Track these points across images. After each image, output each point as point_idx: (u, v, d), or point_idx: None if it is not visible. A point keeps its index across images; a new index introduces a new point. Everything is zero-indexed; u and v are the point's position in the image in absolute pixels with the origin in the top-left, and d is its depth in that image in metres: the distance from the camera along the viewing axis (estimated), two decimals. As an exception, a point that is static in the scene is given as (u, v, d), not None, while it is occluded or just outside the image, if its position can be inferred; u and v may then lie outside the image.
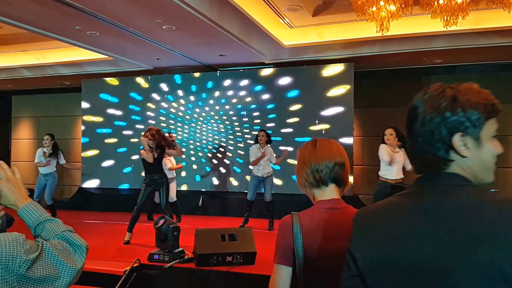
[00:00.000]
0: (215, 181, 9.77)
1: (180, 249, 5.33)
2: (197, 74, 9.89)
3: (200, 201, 9.82)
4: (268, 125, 9.22)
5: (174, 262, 5.12)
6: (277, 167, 8.55)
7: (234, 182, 9.59)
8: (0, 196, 1.48)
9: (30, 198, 1.53)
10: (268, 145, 7.79)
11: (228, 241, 5.11)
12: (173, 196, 8.26)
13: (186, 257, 5.27)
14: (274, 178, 8.08)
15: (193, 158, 9.93)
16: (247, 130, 9.51)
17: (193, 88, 9.93)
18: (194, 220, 8.60)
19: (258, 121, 9.41)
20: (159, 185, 6.64)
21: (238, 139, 9.61)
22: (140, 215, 6.62)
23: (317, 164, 1.81)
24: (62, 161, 8.57)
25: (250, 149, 7.89)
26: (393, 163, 6.33)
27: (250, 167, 8.00)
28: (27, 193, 1.54)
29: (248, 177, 8.69)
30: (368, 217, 1.20)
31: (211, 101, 9.81)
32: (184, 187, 9.91)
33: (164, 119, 10.14)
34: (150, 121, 10.16)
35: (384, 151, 6.37)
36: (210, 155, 9.82)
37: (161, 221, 5.29)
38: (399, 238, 1.09)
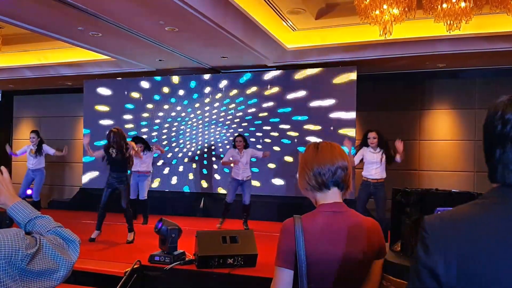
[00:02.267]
0: (216, 183, 9.77)
1: (181, 251, 5.32)
2: (199, 76, 9.89)
3: (202, 203, 9.82)
4: (269, 127, 9.23)
5: (175, 263, 5.10)
6: (256, 170, 8.82)
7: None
8: None
9: (18, 197, 1.58)
10: (246, 149, 8.01)
11: (229, 243, 5.09)
12: (144, 195, 8.29)
13: (187, 259, 5.25)
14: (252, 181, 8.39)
15: (194, 161, 9.93)
16: (249, 131, 9.51)
17: (195, 90, 9.94)
18: (195, 222, 8.59)
19: (260, 122, 9.42)
20: (117, 186, 6.80)
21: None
22: (104, 213, 6.81)
23: (320, 168, 1.80)
24: (51, 151, 8.71)
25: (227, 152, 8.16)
26: (374, 164, 6.83)
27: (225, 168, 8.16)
28: (15, 192, 1.59)
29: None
30: (449, 226, 1.09)
31: (213, 103, 9.81)
32: (185, 189, 9.92)
33: (165, 120, 10.16)
34: (153, 122, 10.20)
35: (367, 154, 6.97)
36: (210, 157, 9.81)
37: (159, 224, 5.29)
38: (492, 252, 1.01)
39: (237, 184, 7.94)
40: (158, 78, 10.17)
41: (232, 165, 8.09)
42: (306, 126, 9.07)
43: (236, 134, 8.35)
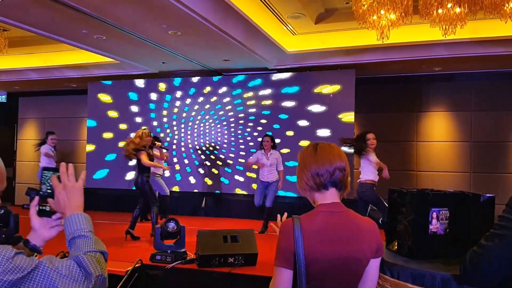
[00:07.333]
0: (218, 183, 9.88)
1: (183, 250, 5.42)
2: (201, 78, 10.00)
3: (203, 202, 9.93)
4: (270, 129, 9.34)
5: (176, 263, 5.16)
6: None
7: (236, 184, 9.72)
8: (58, 201, 1.50)
9: (81, 209, 1.48)
10: (274, 150, 7.75)
11: (230, 243, 5.15)
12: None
13: (188, 258, 5.32)
14: None
15: (196, 161, 10.05)
16: (250, 133, 9.64)
17: (198, 91, 10.05)
18: (197, 221, 8.67)
19: (262, 124, 9.54)
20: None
21: (240, 141, 9.74)
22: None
23: (318, 168, 1.82)
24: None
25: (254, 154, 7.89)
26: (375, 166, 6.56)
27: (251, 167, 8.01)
28: (82, 203, 1.49)
29: (247, 178, 8.79)
30: None
31: (215, 105, 9.92)
32: (187, 189, 10.04)
33: (167, 121, 10.28)
34: (154, 123, 10.32)
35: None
36: (212, 157, 9.92)
37: (171, 223, 5.39)
38: None
39: (263, 187, 7.67)
40: (161, 80, 10.28)
41: (255, 167, 8.00)
42: (304, 128, 9.20)
43: (265, 134, 8.01)
